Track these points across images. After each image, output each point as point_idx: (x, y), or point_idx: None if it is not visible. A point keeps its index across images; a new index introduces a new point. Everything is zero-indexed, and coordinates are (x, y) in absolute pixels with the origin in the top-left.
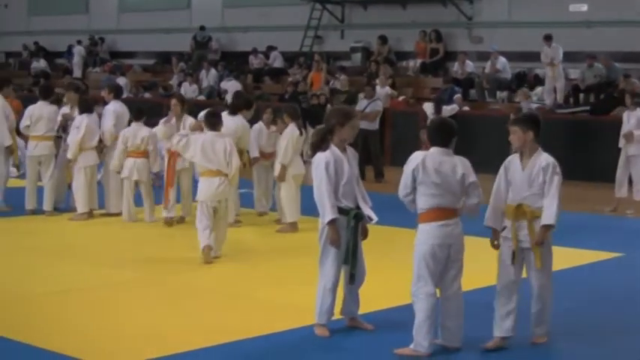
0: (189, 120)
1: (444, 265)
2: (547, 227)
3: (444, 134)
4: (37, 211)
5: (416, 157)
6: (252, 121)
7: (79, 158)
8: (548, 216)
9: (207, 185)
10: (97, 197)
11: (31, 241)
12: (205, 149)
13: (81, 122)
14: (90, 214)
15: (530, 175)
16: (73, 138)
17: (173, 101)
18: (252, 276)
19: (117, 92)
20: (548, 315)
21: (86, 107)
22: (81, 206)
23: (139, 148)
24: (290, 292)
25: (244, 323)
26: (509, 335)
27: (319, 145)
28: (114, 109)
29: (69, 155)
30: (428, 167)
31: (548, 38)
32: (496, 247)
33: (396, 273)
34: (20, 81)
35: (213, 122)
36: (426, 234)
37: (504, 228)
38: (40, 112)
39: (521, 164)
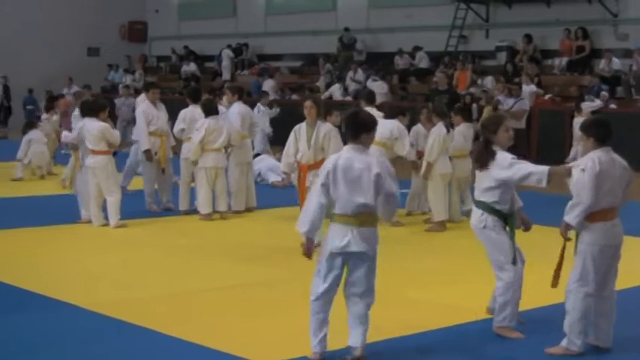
0: (324, 127)
1: (611, 265)
2: None
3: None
4: (190, 212)
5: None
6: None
7: (200, 159)
8: None
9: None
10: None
11: (186, 241)
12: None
13: (202, 124)
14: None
15: None
16: (194, 139)
17: (308, 103)
18: (401, 275)
19: (240, 94)
20: None
21: (210, 110)
22: (203, 207)
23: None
24: (438, 292)
25: (397, 321)
26: None
27: (483, 159)
28: (238, 110)
29: (191, 156)
30: None
31: None
32: None
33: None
34: (171, 84)
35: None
36: (597, 233)
37: None
38: (192, 115)
39: None
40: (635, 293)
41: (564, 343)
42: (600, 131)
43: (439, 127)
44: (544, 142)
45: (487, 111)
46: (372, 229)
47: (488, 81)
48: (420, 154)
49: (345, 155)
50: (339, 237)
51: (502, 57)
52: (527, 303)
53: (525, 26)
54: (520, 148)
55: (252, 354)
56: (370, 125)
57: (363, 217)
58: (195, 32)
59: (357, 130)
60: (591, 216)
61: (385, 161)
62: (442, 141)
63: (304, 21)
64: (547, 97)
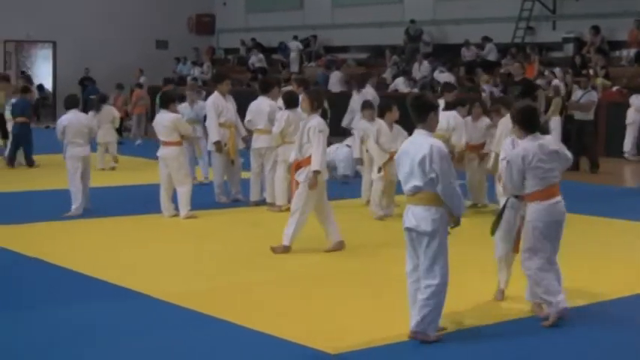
0: (310, 122)
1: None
2: None
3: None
4: (260, 202)
5: None
6: None
7: (279, 151)
8: None
9: None
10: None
11: (255, 232)
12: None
13: (281, 116)
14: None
15: None
16: (274, 130)
17: (302, 95)
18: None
19: (306, 86)
20: None
21: (291, 102)
22: (279, 199)
23: None
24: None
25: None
26: None
27: None
28: None
29: (273, 144)
30: None
31: None
32: None
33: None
34: (239, 76)
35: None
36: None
37: None
38: (259, 107)
39: None
40: None
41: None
42: (526, 120)
43: (507, 119)
44: (611, 133)
45: (555, 103)
46: (427, 207)
47: (556, 72)
48: (467, 147)
49: (408, 140)
50: (404, 215)
51: (569, 48)
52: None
53: (593, 17)
54: (588, 140)
55: (321, 344)
56: (436, 105)
57: (419, 197)
58: (262, 24)
59: (424, 110)
60: (529, 196)
61: (439, 145)
62: (510, 133)
63: (371, 13)
64: (615, 88)
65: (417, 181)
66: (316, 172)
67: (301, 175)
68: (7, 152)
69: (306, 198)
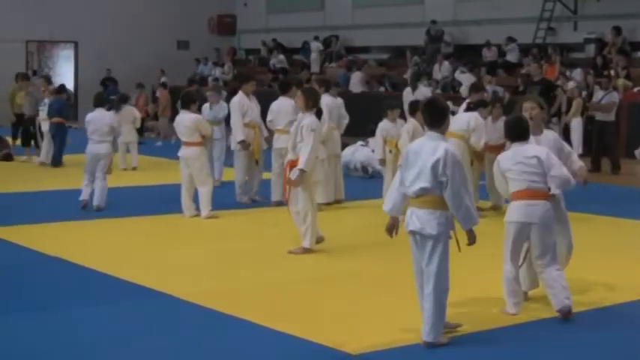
0: (304, 120)
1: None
2: None
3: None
4: (281, 203)
5: None
6: None
7: None
8: None
9: None
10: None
11: (276, 231)
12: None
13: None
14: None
15: None
16: (292, 130)
17: (297, 93)
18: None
19: (327, 86)
20: None
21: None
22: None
23: None
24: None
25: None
26: None
27: None
28: (325, 102)
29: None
30: None
31: None
32: None
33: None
34: (260, 77)
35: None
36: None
37: None
38: (280, 107)
39: None
40: None
41: None
42: (510, 130)
43: None
44: (632, 134)
45: (576, 103)
46: (431, 211)
47: (577, 73)
48: (487, 147)
49: (419, 141)
50: (406, 218)
51: (590, 49)
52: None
53: (614, 18)
54: (609, 141)
55: (342, 344)
56: (449, 110)
57: (424, 199)
58: (283, 25)
59: (440, 115)
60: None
61: (453, 150)
62: None
63: (391, 13)
64: (636, 89)
65: (425, 183)
66: (302, 171)
67: (295, 175)
68: (42, 152)
69: (308, 197)
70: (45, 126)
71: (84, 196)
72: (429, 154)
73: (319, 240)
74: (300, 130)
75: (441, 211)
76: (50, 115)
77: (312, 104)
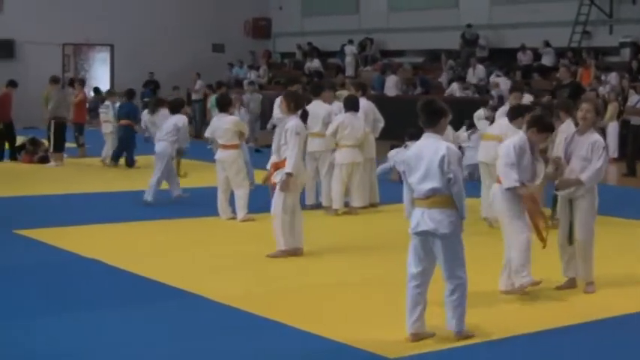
0: (288, 124)
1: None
2: None
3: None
4: (315, 206)
5: None
6: None
7: (335, 155)
8: None
9: None
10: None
11: (313, 235)
12: None
13: (336, 119)
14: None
15: None
16: (327, 132)
17: (280, 97)
18: None
19: (363, 90)
20: None
21: (352, 105)
22: (335, 202)
23: None
24: None
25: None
26: None
27: None
28: (361, 105)
29: (330, 146)
30: None
31: None
32: None
33: None
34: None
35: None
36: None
37: None
38: (315, 111)
39: None
40: None
41: None
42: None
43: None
44: None
45: (612, 107)
46: (442, 210)
47: (612, 77)
48: None
49: (416, 145)
50: (414, 219)
51: (626, 53)
52: None
53: None
54: None
55: (379, 348)
56: (446, 111)
57: (434, 200)
58: (318, 28)
59: (436, 116)
60: None
61: (454, 147)
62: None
63: (427, 17)
64: None
65: (434, 183)
66: (289, 175)
67: (277, 177)
68: (103, 152)
69: (282, 201)
70: (107, 128)
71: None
72: (433, 154)
73: (297, 252)
74: (285, 133)
75: (450, 210)
76: (119, 117)
77: (295, 107)
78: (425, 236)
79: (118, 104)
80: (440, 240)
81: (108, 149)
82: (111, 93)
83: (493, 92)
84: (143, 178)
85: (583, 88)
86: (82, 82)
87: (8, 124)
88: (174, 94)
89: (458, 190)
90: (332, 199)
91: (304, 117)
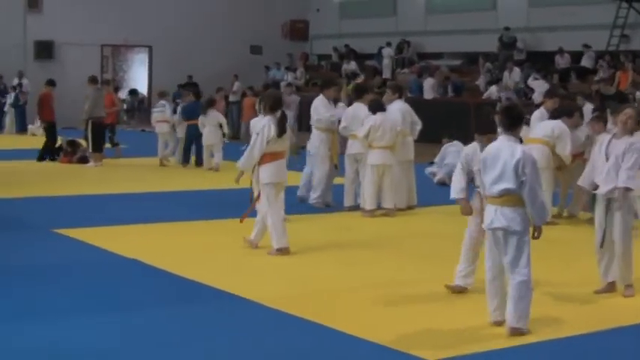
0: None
1: None
2: None
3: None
4: (354, 208)
5: None
6: None
7: (368, 157)
8: None
9: None
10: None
11: (351, 237)
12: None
13: (367, 121)
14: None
15: None
16: (359, 134)
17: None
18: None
19: (400, 92)
20: None
21: (377, 107)
22: (368, 204)
23: None
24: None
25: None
26: None
27: None
28: (399, 107)
29: (362, 149)
30: None
31: None
32: None
33: None
34: None
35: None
36: None
37: None
38: (355, 113)
39: None
40: None
41: None
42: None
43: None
44: None
45: None
46: (515, 209)
47: None
48: (573, 156)
49: (494, 146)
50: (488, 216)
51: None
52: None
53: None
54: None
55: (418, 350)
56: (524, 118)
57: (507, 198)
58: (356, 30)
59: (518, 121)
60: None
61: (530, 152)
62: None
63: (464, 20)
64: None
65: (508, 184)
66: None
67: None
68: (166, 150)
69: (266, 201)
70: (162, 127)
71: None
72: (509, 157)
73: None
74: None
75: (522, 209)
76: (185, 117)
77: (270, 108)
78: (498, 232)
79: (180, 104)
80: (511, 236)
81: (162, 149)
82: (164, 93)
83: (502, 94)
84: (185, 180)
85: (627, 96)
86: (108, 83)
87: (51, 123)
88: (216, 96)
89: (529, 191)
90: (366, 201)
91: (283, 118)
